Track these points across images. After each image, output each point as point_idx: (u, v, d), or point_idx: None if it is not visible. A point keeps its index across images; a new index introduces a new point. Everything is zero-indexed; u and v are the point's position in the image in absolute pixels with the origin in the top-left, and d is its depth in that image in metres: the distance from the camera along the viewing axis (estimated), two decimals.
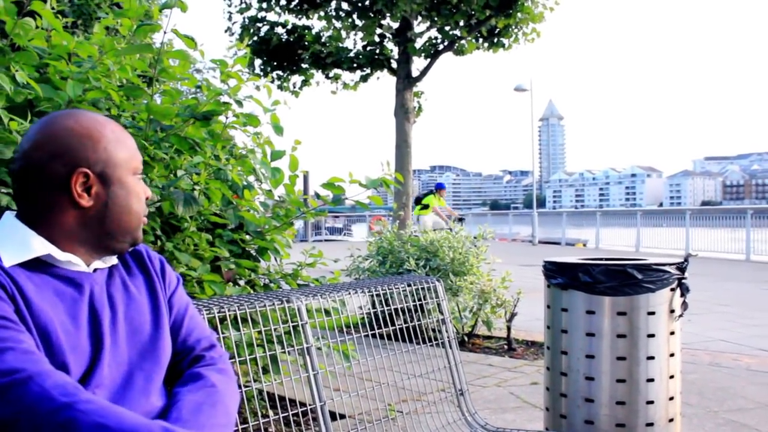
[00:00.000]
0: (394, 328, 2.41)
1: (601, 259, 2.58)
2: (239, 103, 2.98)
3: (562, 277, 2.49)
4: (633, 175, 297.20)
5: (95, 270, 1.29)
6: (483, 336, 6.43)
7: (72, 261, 1.24)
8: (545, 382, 2.65)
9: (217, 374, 1.35)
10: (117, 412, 1.05)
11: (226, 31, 13.57)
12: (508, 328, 6.04)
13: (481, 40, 12.68)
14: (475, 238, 6.72)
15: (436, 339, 2.52)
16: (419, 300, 2.52)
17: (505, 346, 6.04)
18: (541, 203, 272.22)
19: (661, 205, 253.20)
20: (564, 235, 24.45)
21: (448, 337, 2.48)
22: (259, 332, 2.04)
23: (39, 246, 1.20)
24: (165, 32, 2.59)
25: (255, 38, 13.11)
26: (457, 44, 12.60)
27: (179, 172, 2.97)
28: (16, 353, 1.05)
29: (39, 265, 1.21)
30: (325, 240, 28.97)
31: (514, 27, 12.39)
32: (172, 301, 1.41)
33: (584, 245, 23.50)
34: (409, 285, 2.51)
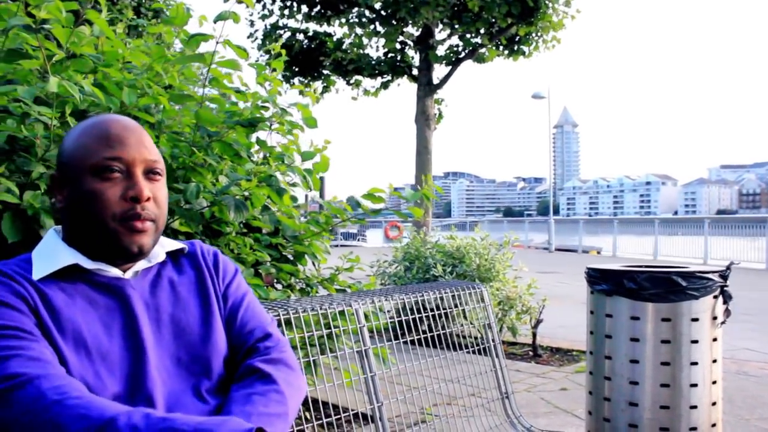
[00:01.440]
0: (437, 332, 2.46)
1: (642, 267, 2.62)
2: (285, 111, 3.05)
3: (607, 283, 2.53)
4: (648, 183, 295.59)
5: (137, 272, 1.28)
6: (508, 342, 6.46)
7: (102, 268, 1.24)
8: (588, 386, 2.69)
9: (270, 365, 1.31)
10: (101, 403, 1.04)
11: (248, 38, 13.70)
12: (534, 335, 6.08)
13: (501, 47, 12.73)
14: (501, 246, 6.76)
15: (478, 345, 2.57)
16: (463, 305, 2.58)
17: (531, 353, 6.07)
18: (555, 211, 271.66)
19: (675, 213, 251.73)
20: (581, 242, 24.39)
21: (493, 341, 2.54)
22: (301, 336, 2.08)
23: (66, 257, 1.21)
24: (217, 42, 2.67)
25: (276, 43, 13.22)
26: (477, 52, 12.65)
27: (222, 178, 3.04)
28: (21, 360, 1.06)
29: (73, 274, 1.22)
30: (341, 245, 29.06)
31: (534, 35, 12.44)
32: (227, 293, 1.39)
33: (598, 253, 23.41)
34: (456, 289, 2.57)
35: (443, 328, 2.58)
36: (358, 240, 34.36)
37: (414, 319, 2.50)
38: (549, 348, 6.28)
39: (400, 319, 2.45)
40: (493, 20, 11.73)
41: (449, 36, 12.84)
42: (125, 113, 2.63)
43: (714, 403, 2.48)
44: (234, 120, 2.93)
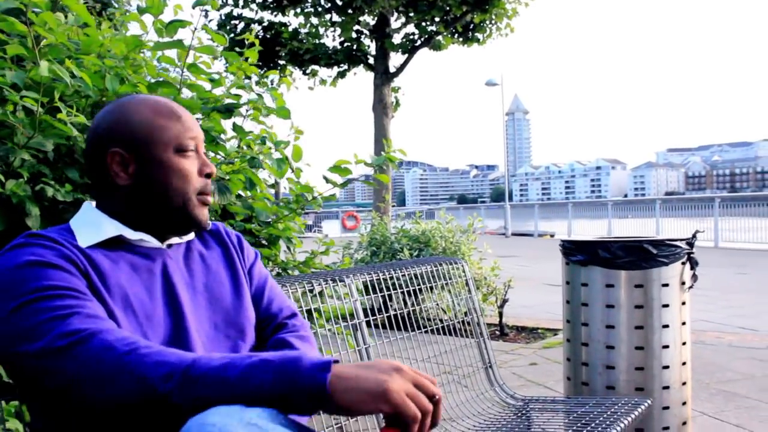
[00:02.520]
0: (411, 309, 2.55)
1: (614, 238, 2.75)
2: (261, 97, 3.09)
3: (582, 254, 2.65)
4: (598, 168, 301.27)
5: (170, 246, 1.33)
6: None
7: (144, 239, 1.28)
8: (565, 353, 2.81)
9: (300, 341, 1.38)
10: (174, 350, 1.06)
11: (202, 28, 13.55)
12: (500, 314, 6.23)
13: (456, 35, 12.87)
14: (465, 229, 6.88)
15: (460, 321, 2.66)
16: (445, 279, 2.67)
17: (498, 332, 6.21)
18: (509, 197, 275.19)
19: (626, 196, 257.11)
20: (537, 227, 24.82)
21: (475, 312, 2.63)
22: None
23: (110, 228, 1.25)
24: (195, 29, 2.70)
25: (232, 35, 13.12)
26: (433, 40, 12.77)
27: None
28: (80, 317, 1.06)
29: (115, 244, 1.25)
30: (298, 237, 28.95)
31: (489, 22, 12.61)
32: (252, 273, 1.44)
33: (552, 236, 23.83)
34: (436, 265, 2.66)
35: (423, 306, 2.67)
36: (314, 231, 34.32)
37: (391, 297, 2.59)
38: (515, 327, 6.43)
39: (384, 294, 2.53)
40: (448, 8, 11.86)
41: (405, 24, 12.93)
42: (107, 100, 2.64)
43: (684, 363, 2.62)
44: (210, 106, 2.96)
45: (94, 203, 1.31)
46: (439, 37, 12.73)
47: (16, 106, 2.23)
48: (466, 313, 2.67)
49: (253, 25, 13.39)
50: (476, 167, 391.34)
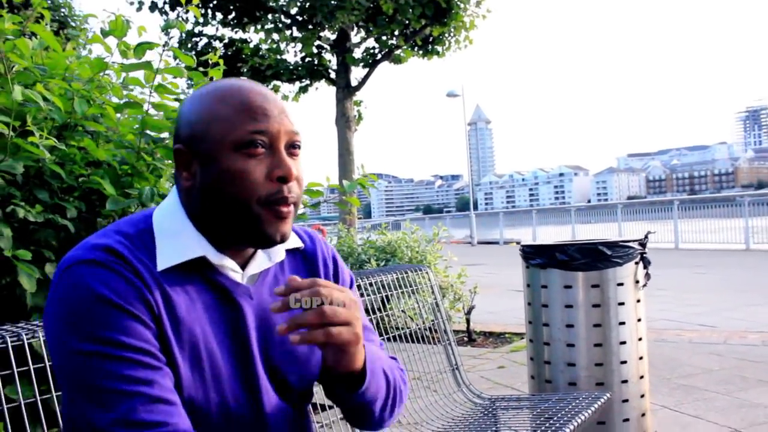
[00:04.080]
0: (381, 314, 2.64)
1: (570, 242, 2.88)
2: None
3: (541, 257, 2.78)
4: (561, 175, 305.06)
5: (255, 276, 1.15)
6: None
7: (226, 266, 1.10)
8: (529, 353, 2.93)
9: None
10: None
11: (163, 46, 13.54)
12: (468, 321, 6.34)
13: (416, 48, 13.06)
14: (431, 239, 7.01)
15: (426, 327, 2.76)
16: (412, 285, 2.76)
17: (466, 338, 6.33)
18: (474, 206, 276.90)
19: (589, 201, 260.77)
20: (502, 235, 25.11)
21: (442, 319, 2.73)
22: None
23: (193, 245, 1.08)
24: (164, 49, 2.77)
25: (193, 52, 13.14)
26: (393, 53, 12.94)
27: (167, 184, 3.12)
28: (146, 401, 0.96)
29: (195, 268, 1.08)
30: None
31: (447, 35, 12.83)
32: None
33: (518, 244, 24.05)
34: (401, 273, 2.75)
35: (390, 313, 2.76)
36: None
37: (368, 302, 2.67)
38: (482, 333, 6.55)
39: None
40: (408, 22, 12.04)
41: (365, 39, 13.08)
42: (76, 123, 2.70)
43: (641, 358, 2.75)
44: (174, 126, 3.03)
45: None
46: (399, 51, 12.91)
47: None
48: (432, 320, 2.76)
49: (214, 42, 13.42)
50: (441, 177, 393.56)
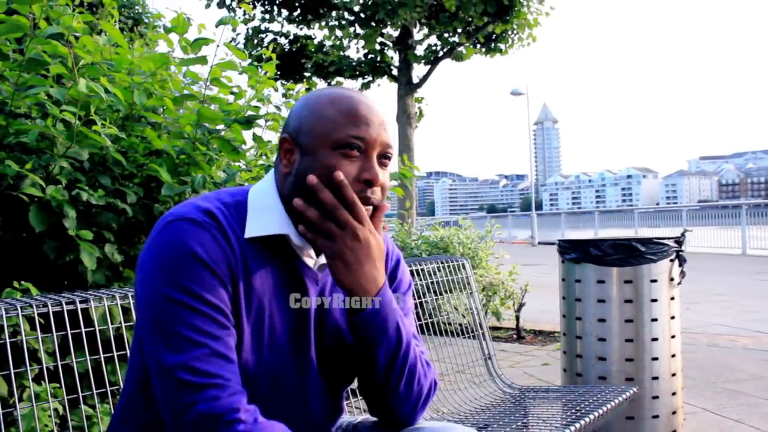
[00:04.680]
0: (418, 300, 2.75)
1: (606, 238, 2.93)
2: (279, 109, 3.32)
3: (576, 252, 2.83)
4: (629, 177, 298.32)
5: (323, 266, 1.26)
6: (493, 327, 6.75)
7: (304, 249, 1.23)
8: (562, 347, 2.99)
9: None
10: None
11: (231, 42, 13.94)
12: (517, 318, 6.38)
13: (479, 45, 13.07)
14: (483, 236, 7.06)
15: (463, 327, 2.85)
16: (447, 276, 2.86)
17: (515, 336, 6.37)
18: (539, 206, 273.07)
19: (657, 205, 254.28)
20: (563, 236, 24.83)
21: (476, 308, 2.82)
22: None
23: (279, 222, 1.21)
24: (218, 45, 2.94)
25: (258, 48, 13.47)
26: (455, 50, 12.99)
27: (220, 173, 3.30)
28: (210, 354, 1.08)
29: (277, 245, 1.21)
30: None
31: (510, 32, 12.80)
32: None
33: None
34: (440, 263, 2.85)
35: (430, 313, 2.86)
36: None
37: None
38: (532, 331, 6.56)
39: None
40: (470, 19, 12.07)
41: (427, 36, 13.16)
42: (138, 114, 2.90)
43: (673, 355, 2.78)
44: (232, 118, 3.20)
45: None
46: (461, 48, 12.95)
47: (55, 120, 2.48)
48: (467, 310, 2.85)
49: (279, 39, 13.72)
50: (506, 177, 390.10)
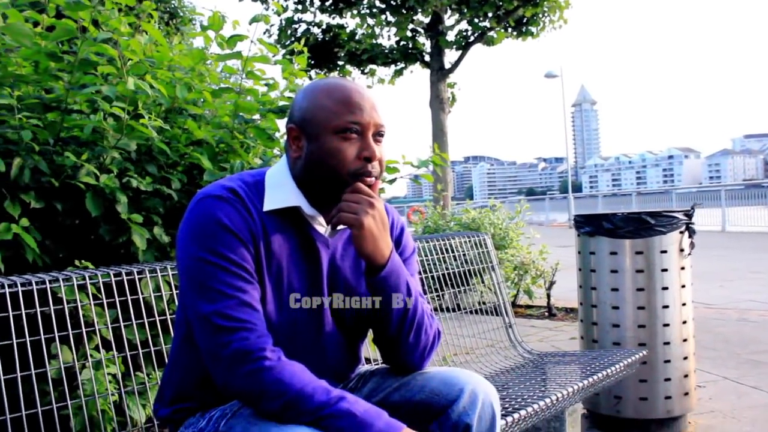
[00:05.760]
0: (442, 272, 2.94)
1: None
2: None
3: (589, 226, 3.00)
4: (670, 157, 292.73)
5: (336, 231, 1.48)
6: (525, 305, 6.93)
7: (316, 218, 1.45)
8: (579, 315, 3.17)
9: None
10: (292, 372, 1.28)
11: (264, 33, 14.20)
12: (548, 296, 6.54)
13: (509, 29, 13.12)
14: (513, 216, 7.22)
15: (487, 304, 3.03)
16: (467, 250, 3.05)
17: (546, 313, 6.53)
18: (578, 189, 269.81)
19: (700, 185, 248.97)
20: None
21: (496, 279, 3.01)
22: None
23: (293, 197, 1.42)
24: (252, 41, 3.16)
25: (292, 39, 13.71)
26: (486, 35, 13.05)
27: (256, 159, 3.52)
28: (238, 304, 1.30)
29: (292, 216, 1.43)
30: None
31: (541, 15, 12.81)
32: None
33: None
34: (460, 237, 3.05)
35: (456, 290, 3.06)
36: None
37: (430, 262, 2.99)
38: (563, 308, 6.71)
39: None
40: (500, 3, 12.13)
41: (458, 21, 13.23)
42: (180, 107, 3.13)
43: (684, 322, 2.93)
44: (266, 108, 3.42)
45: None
46: (492, 33, 13.00)
47: (106, 114, 2.72)
48: (490, 286, 3.04)
49: (312, 28, 13.93)
50: (544, 160, 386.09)
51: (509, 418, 1.91)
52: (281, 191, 1.43)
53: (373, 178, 1.42)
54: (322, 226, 1.47)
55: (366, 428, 1.23)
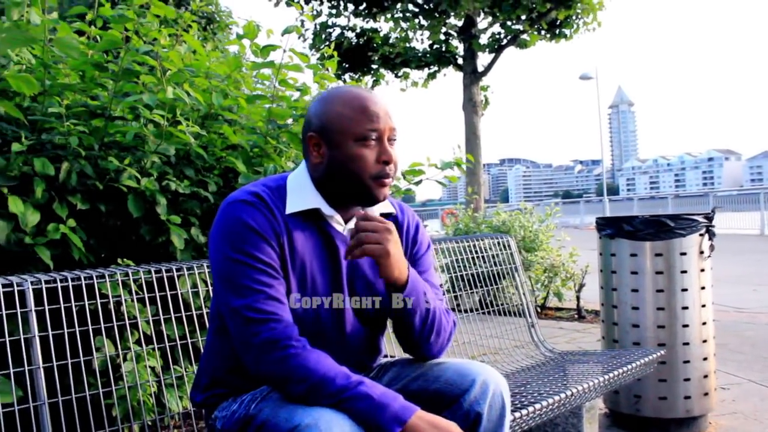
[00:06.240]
0: (471, 272, 3.04)
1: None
2: None
3: (611, 228, 3.08)
4: (710, 159, 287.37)
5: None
6: (555, 308, 6.97)
7: (334, 218, 1.58)
8: (601, 315, 3.24)
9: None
10: (317, 360, 1.40)
11: (299, 38, 14.42)
12: (578, 298, 6.58)
13: (542, 32, 13.13)
14: (544, 219, 7.26)
15: (512, 304, 3.13)
16: (490, 250, 3.15)
17: (575, 315, 6.57)
18: (615, 192, 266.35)
19: (741, 187, 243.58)
20: None
21: (519, 280, 3.10)
22: None
23: (312, 199, 1.55)
24: (284, 50, 3.30)
25: (326, 43, 13.90)
26: (519, 38, 13.09)
27: (289, 163, 3.66)
28: (266, 298, 1.43)
29: (312, 216, 1.56)
30: None
31: (574, 18, 12.81)
32: (416, 263, 1.71)
33: None
34: (484, 239, 3.15)
35: (486, 289, 3.16)
36: None
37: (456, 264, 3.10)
38: (593, 311, 6.73)
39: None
40: (533, 6, 12.15)
41: (491, 24, 13.29)
42: (216, 113, 3.29)
43: (704, 323, 2.99)
44: (299, 113, 3.55)
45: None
46: (525, 35, 13.03)
47: (146, 121, 2.88)
48: (513, 287, 3.13)
49: (346, 33, 14.10)
50: (581, 162, 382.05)
51: (524, 411, 2.01)
52: (302, 194, 1.56)
53: (391, 179, 1.55)
54: (340, 225, 1.60)
55: (383, 409, 1.35)
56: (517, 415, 1.99)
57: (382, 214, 1.67)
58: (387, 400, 1.37)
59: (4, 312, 1.82)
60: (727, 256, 11.84)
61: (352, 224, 1.60)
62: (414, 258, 1.72)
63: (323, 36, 14.08)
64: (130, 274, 2.12)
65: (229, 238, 1.48)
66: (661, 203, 27.83)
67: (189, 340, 2.32)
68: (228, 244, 1.48)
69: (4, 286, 1.84)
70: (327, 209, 1.57)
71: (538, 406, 2.05)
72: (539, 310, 6.77)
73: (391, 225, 1.51)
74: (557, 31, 13.15)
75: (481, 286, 3.11)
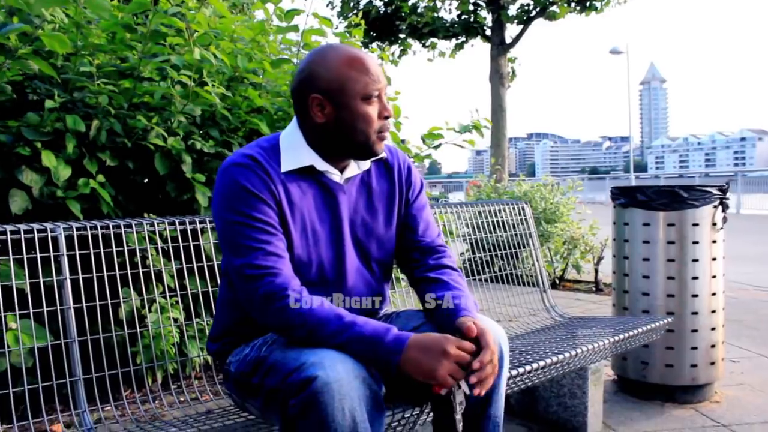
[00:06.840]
0: (484, 236, 3.10)
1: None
2: None
3: (624, 198, 3.13)
4: (742, 139, 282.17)
5: (348, 179, 1.68)
6: (573, 280, 7.02)
7: (329, 171, 1.65)
8: (612, 283, 3.30)
9: (453, 266, 1.80)
10: (319, 307, 1.49)
11: (327, 5, 14.40)
12: (596, 271, 6.61)
13: (572, 4, 12.98)
14: (566, 191, 7.28)
15: (527, 275, 3.19)
16: (507, 218, 3.21)
17: (593, 288, 6.61)
18: (643, 169, 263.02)
19: None
20: None
21: (533, 246, 3.17)
22: None
23: (307, 157, 1.62)
24: (307, 15, 3.36)
25: (354, 11, 13.87)
26: (548, 10, 12.95)
27: None
28: (265, 254, 1.52)
29: (307, 172, 1.63)
30: None
31: None
32: (412, 203, 1.80)
33: None
34: (499, 204, 3.21)
35: (502, 266, 3.23)
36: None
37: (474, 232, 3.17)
38: (611, 284, 6.77)
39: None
40: None
41: None
42: (241, 76, 3.36)
43: (714, 294, 3.04)
44: None
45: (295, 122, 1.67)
46: (554, 7, 12.90)
47: (173, 82, 2.97)
48: (527, 255, 3.20)
49: (374, 1, 14.06)
50: (609, 139, 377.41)
51: (528, 367, 2.09)
52: (296, 153, 1.63)
53: (388, 132, 1.64)
54: (336, 175, 1.67)
55: (376, 344, 1.44)
56: (522, 370, 2.07)
57: (374, 160, 1.74)
58: (379, 335, 1.45)
59: (38, 255, 1.93)
60: (755, 237, 11.77)
61: (348, 173, 1.68)
62: (409, 200, 1.80)
63: (351, 4, 14.05)
64: (156, 225, 2.22)
65: (227, 201, 1.56)
66: (687, 182, 27.56)
67: (211, 294, 2.42)
68: (226, 206, 1.56)
69: (39, 231, 1.95)
70: (321, 164, 1.64)
71: (542, 363, 2.13)
72: (557, 281, 6.82)
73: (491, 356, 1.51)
74: (587, 3, 13.00)
75: (497, 254, 3.18)
